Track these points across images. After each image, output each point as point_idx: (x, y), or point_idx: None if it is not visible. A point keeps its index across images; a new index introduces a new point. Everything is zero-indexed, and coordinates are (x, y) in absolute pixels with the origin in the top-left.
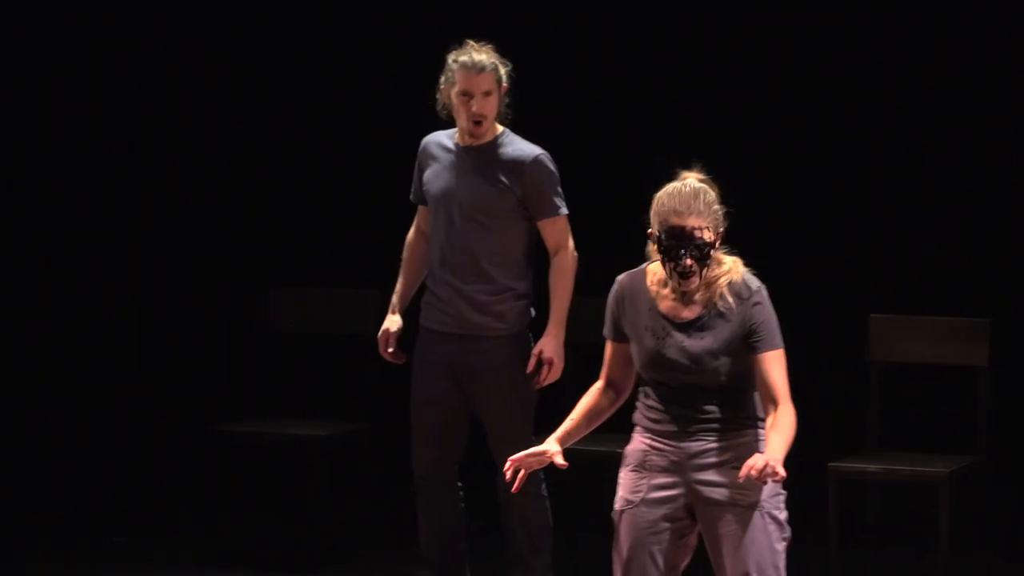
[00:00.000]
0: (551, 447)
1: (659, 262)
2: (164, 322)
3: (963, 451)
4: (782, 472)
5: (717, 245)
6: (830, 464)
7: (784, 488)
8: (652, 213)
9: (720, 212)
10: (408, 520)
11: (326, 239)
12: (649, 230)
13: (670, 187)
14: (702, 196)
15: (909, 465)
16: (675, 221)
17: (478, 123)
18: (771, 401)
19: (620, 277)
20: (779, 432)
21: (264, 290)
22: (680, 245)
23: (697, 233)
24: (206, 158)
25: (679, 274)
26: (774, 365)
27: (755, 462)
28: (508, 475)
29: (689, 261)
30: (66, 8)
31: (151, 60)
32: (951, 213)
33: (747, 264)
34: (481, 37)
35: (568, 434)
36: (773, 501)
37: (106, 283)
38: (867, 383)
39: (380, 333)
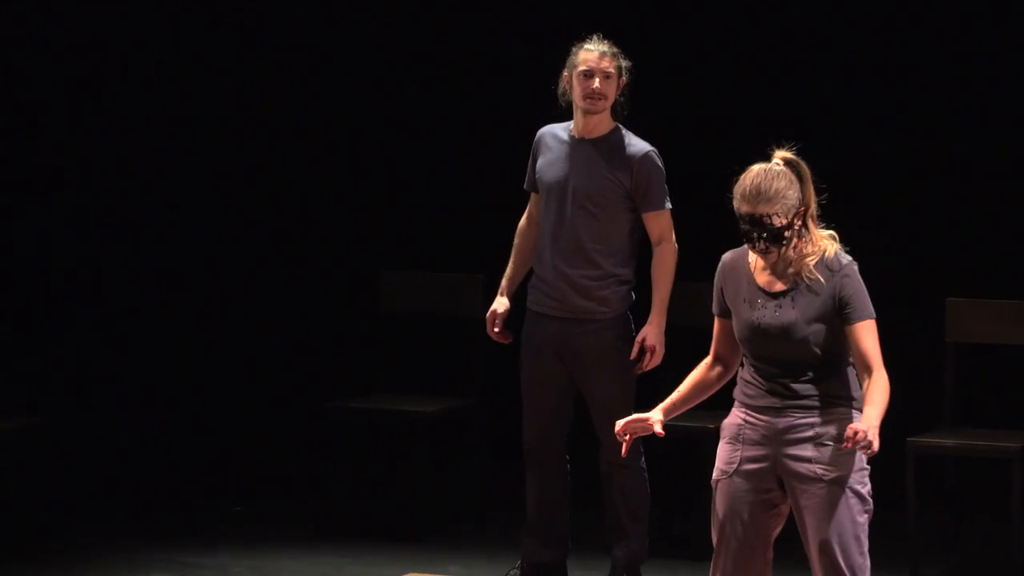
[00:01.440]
0: (654, 415)
1: None
2: (284, 305)
3: None
4: (876, 445)
5: (798, 224)
6: (909, 439)
7: (868, 464)
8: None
9: (795, 196)
10: (515, 490)
11: (435, 226)
12: None
13: (747, 173)
14: (773, 183)
15: (983, 440)
16: (746, 209)
17: (596, 100)
18: (865, 369)
19: (725, 255)
20: (874, 400)
21: (376, 274)
22: (752, 229)
23: (767, 220)
24: (325, 153)
25: (758, 252)
26: (866, 334)
27: (857, 427)
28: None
29: (763, 245)
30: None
31: (267, 50)
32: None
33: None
34: (604, 35)
35: (674, 405)
36: (856, 476)
37: (231, 271)
38: (944, 362)
39: (488, 314)
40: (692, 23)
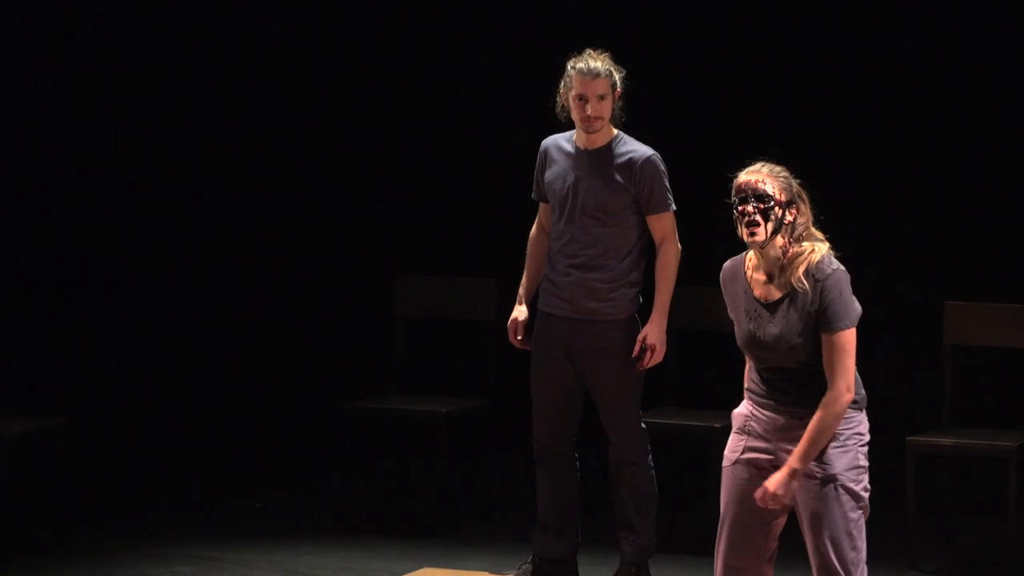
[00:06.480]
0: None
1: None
2: (305, 311)
3: None
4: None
5: (790, 218)
6: (908, 438)
7: (867, 460)
8: None
9: (790, 180)
10: (527, 487)
11: (448, 233)
12: None
13: None
14: (768, 165)
15: (980, 439)
16: (743, 179)
17: (593, 122)
18: (829, 380)
19: (725, 263)
20: (815, 432)
21: (392, 279)
22: (745, 199)
23: (760, 185)
24: (343, 164)
25: (745, 226)
26: (832, 345)
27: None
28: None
29: (751, 208)
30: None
31: (293, 54)
32: (1018, 207)
33: (836, 252)
34: (598, 44)
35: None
36: (849, 474)
37: (254, 278)
38: (942, 364)
39: (509, 323)
40: (698, 29)
